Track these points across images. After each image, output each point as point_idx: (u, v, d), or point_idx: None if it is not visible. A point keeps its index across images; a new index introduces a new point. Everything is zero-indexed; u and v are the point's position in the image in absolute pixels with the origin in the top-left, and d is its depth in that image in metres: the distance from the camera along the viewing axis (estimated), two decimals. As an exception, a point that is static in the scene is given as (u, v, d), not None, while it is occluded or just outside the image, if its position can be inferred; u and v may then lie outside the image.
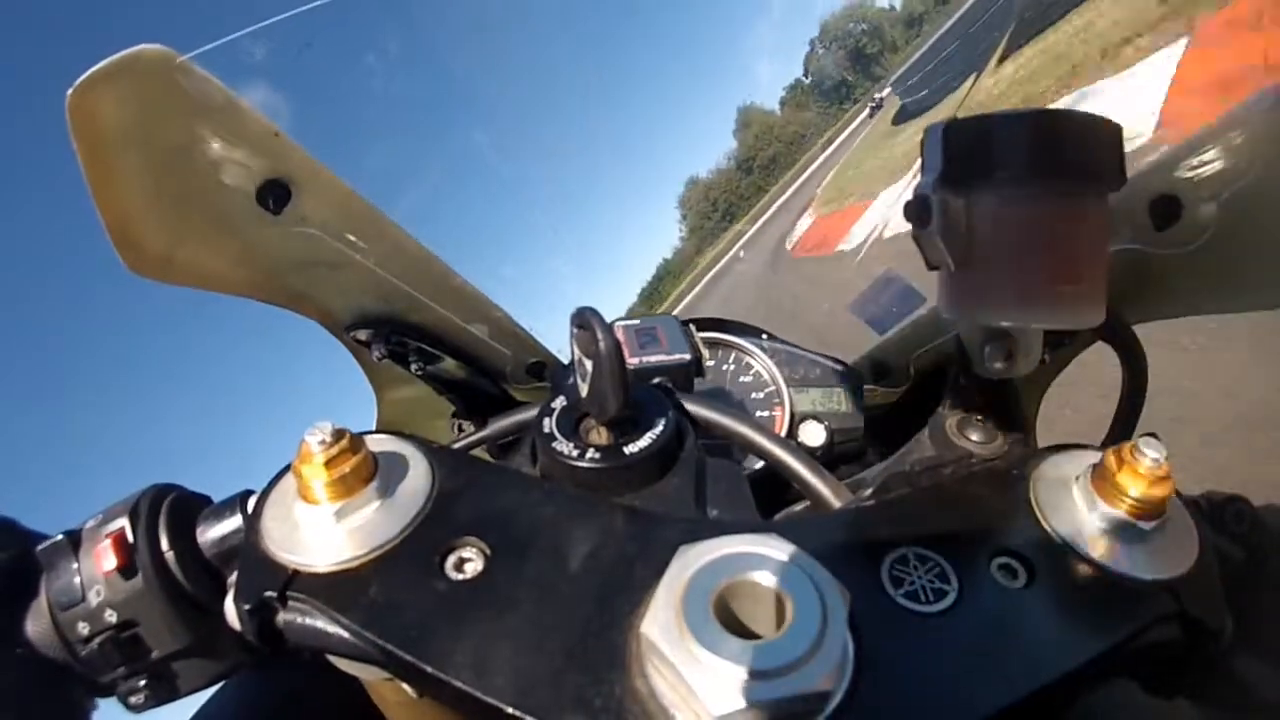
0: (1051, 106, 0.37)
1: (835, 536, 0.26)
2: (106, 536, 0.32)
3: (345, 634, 0.24)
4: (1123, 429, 0.43)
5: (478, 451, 0.47)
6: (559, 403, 0.33)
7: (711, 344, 0.67)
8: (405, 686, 0.25)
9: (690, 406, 0.36)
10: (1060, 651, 0.23)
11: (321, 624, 0.25)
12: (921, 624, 0.23)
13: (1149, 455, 0.27)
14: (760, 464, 0.48)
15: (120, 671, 0.32)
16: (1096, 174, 0.27)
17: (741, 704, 0.19)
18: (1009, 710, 0.21)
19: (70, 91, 0.36)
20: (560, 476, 0.30)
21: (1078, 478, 0.29)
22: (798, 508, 0.54)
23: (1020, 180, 0.26)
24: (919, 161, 0.28)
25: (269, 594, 0.25)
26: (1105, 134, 0.27)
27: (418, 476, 0.28)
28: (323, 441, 0.27)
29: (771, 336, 0.71)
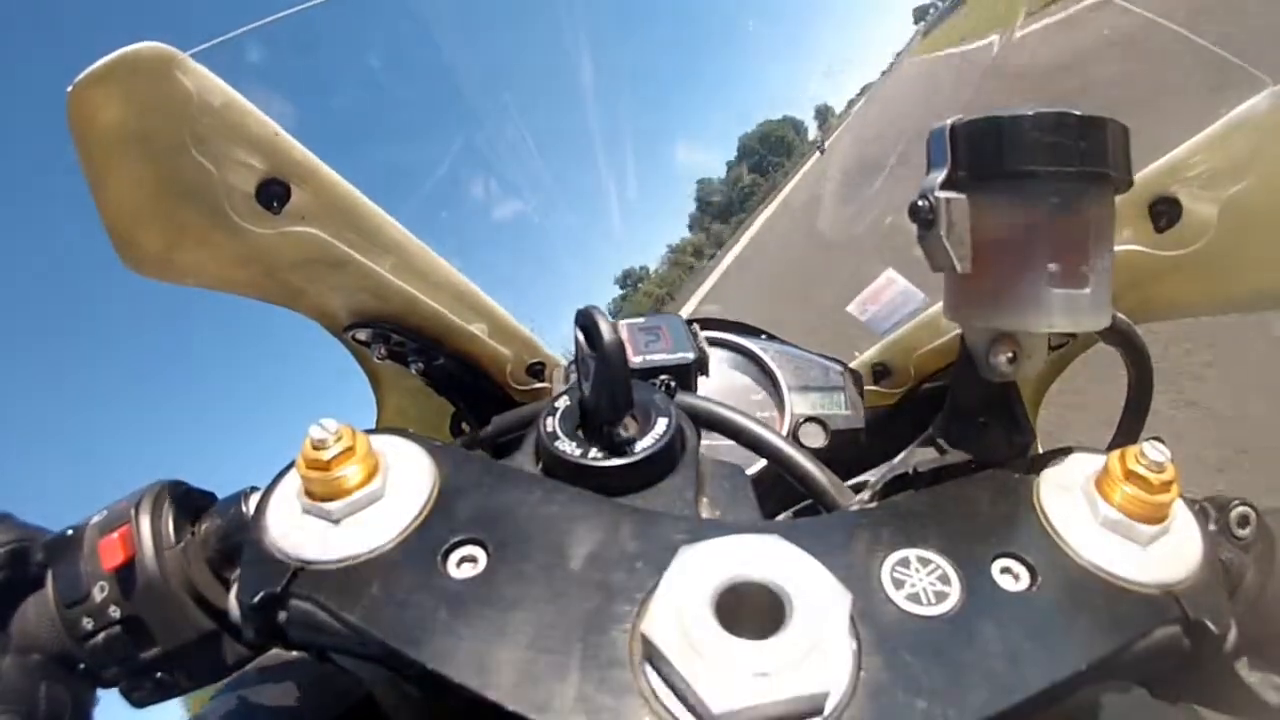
0: (1061, 108, 0.36)
1: (837, 538, 0.26)
2: (111, 532, 0.32)
3: (347, 632, 0.24)
4: (1128, 432, 0.43)
5: (480, 450, 0.47)
6: (562, 402, 0.33)
7: (712, 344, 0.67)
8: (407, 684, 0.25)
9: (693, 406, 0.36)
10: (1062, 655, 0.23)
11: (323, 621, 0.25)
12: (922, 626, 0.23)
13: (1153, 459, 0.27)
14: (762, 464, 0.48)
15: (124, 667, 0.32)
16: (1105, 175, 0.26)
17: (742, 704, 0.19)
18: (1009, 714, 0.21)
19: (70, 89, 0.36)
20: (562, 475, 0.30)
21: (1082, 481, 0.28)
22: (799, 508, 0.54)
23: (1028, 181, 0.26)
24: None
25: (271, 591, 0.25)
26: (1114, 134, 0.27)
27: (420, 475, 0.28)
28: (326, 439, 0.27)
29: (771, 337, 0.71)
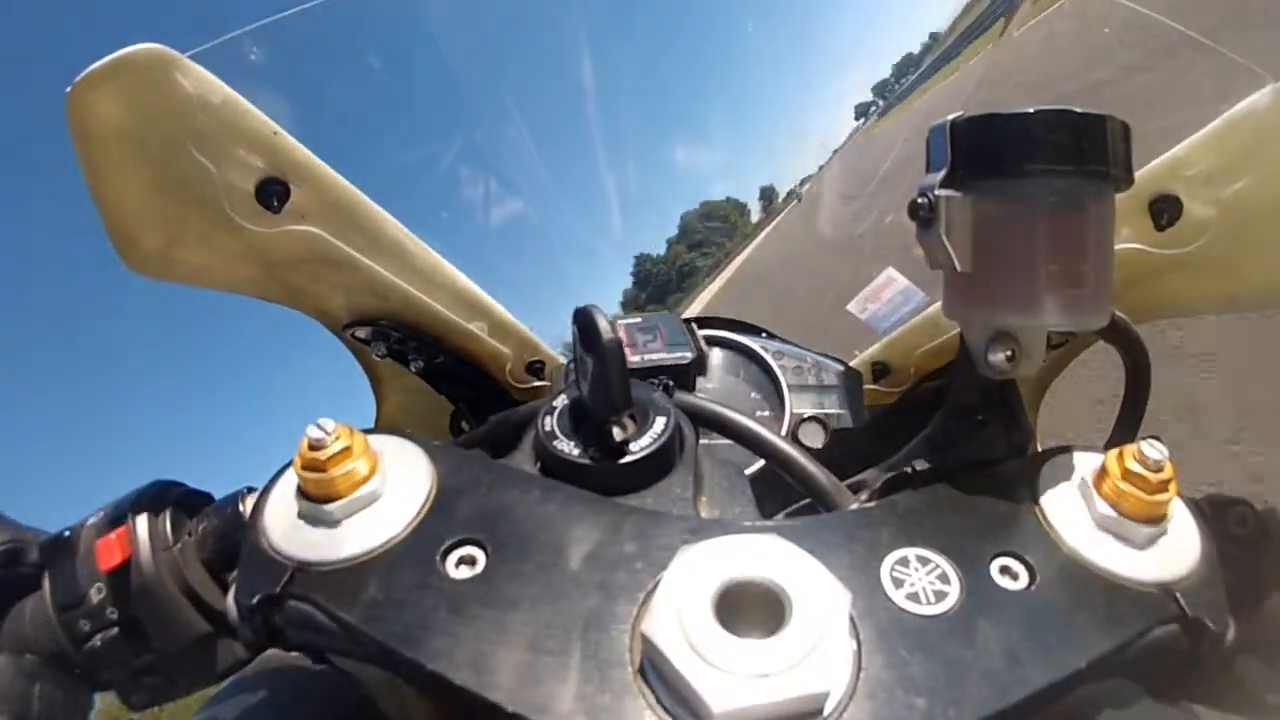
0: (1061, 106, 0.36)
1: (836, 537, 0.26)
2: (108, 533, 0.32)
3: (346, 632, 0.24)
4: (1125, 430, 0.43)
5: (478, 450, 0.47)
6: (560, 401, 0.33)
7: (712, 342, 0.67)
8: (406, 684, 0.25)
9: (691, 405, 0.36)
10: (1061, 654, 0.23)
11: (322, 622, 0.24)
12: (922, 625, 0.23)
13: (1151, 457, 0.27)
14: (760, 464, 0.48)
15: (121, 669, 0.32)
16: (1105, 173, 0.26)
17: (742, 704, 0.19)
18: (1009, 713, 0.21)
19: (70, 89, 0.36)
20: (561, 475, 0.30)
21: (1080, 480, 0.28)
22: (798, 508, 0.54)
23: (1028, 179, 0.26)
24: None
25: (269, 592, 0.25)
26: (1114, 132, 0.27)
27: (418, 475, 0.28)
28: (324, 439, 0.27)
29: (771, 335, 0.71)
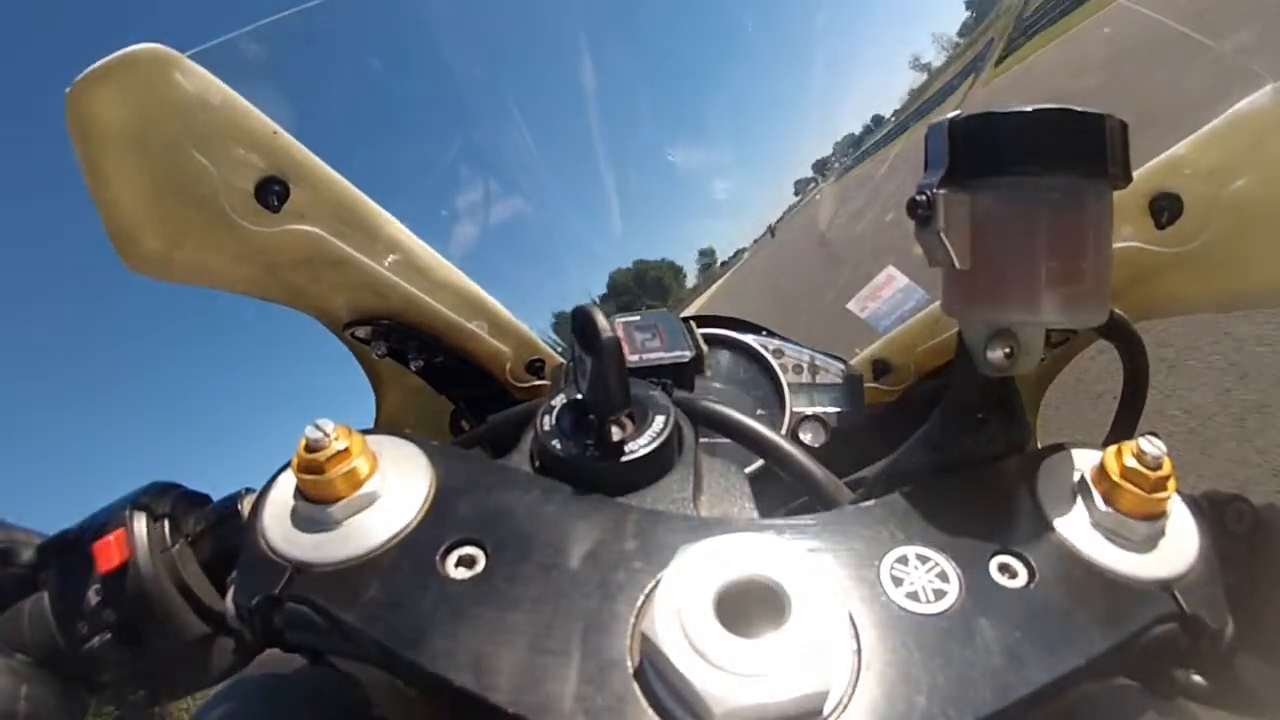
0: (1059, 104, 0.36)
1: (835, 536, 0.26)
2: (106, 536, 0.32)
3: (345, 633, 0.24)
4: (1124, 428, 0.43)
5: (477, 450, 0.47)
6: (559, 400, 0.33)
7: (711, 341, 0.67)
8: (405, 685, 0.25)
9: (690, 404, 0.36)
10: (1060, 652, 0.23)
11: (321, 623, 0.24)
12: (921, 624, 0.23)
13: (1150, 454, 0.27)
14: (759, 463, 0.48)
15: (119, 671, 0.32)
16: (1104, 171, 0.27)
17: (742, 703, 0.19)
18: (1009, 711, 0.21)
19: (69, 89, 0.36)
20: (559, 474, 0.30)
21: (1079, 477, 0.28)
22: (797, 506, 0.54)
23: (1027, 177, 0.26)
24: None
25: (269, 593, 0.25)
26: (1112, 131, 0.27)
27: (417, 475, 0.28)
28: (323, 439, 0.27)
29: (771, 333, 0.71)
